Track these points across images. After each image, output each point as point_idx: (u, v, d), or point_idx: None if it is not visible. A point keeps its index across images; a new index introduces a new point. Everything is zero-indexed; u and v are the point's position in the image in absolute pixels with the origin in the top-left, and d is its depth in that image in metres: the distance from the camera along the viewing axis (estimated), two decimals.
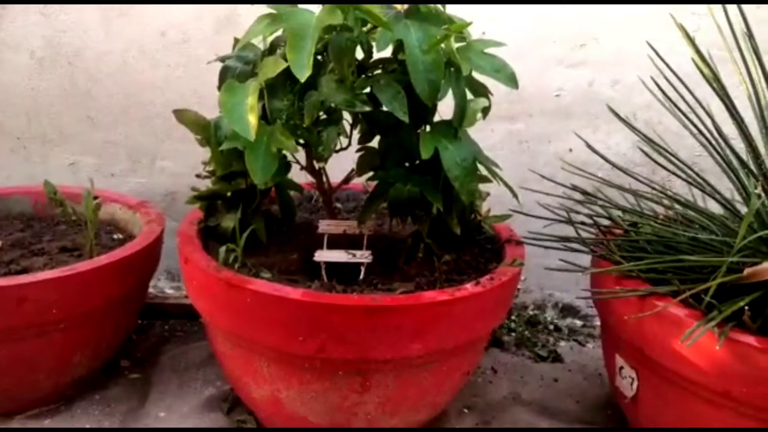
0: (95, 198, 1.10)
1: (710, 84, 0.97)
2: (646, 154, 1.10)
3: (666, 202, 1.10)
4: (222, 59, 0.97)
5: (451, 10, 0.92)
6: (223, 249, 0.91)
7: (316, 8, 0.84)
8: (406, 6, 0.86)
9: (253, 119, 0.79)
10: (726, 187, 1.03)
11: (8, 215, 1.28)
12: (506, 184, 0.97)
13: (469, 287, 0.87)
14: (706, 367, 0.79)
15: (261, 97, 0.91)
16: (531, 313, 1.46)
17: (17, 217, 1.29)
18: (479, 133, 1.34)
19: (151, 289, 1.47)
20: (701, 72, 0.98)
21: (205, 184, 1.06)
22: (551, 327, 1.44)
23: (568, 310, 1.48)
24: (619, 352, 0.96)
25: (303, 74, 0.76)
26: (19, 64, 1.39)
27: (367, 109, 0.85)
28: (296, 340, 0.83)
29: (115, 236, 1.22)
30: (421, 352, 0.85)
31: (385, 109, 0.87)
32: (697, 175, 1.05)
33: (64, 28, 1.36)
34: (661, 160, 1.07)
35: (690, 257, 0.88)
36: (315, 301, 0.81)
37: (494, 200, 1.13)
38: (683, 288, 0.85)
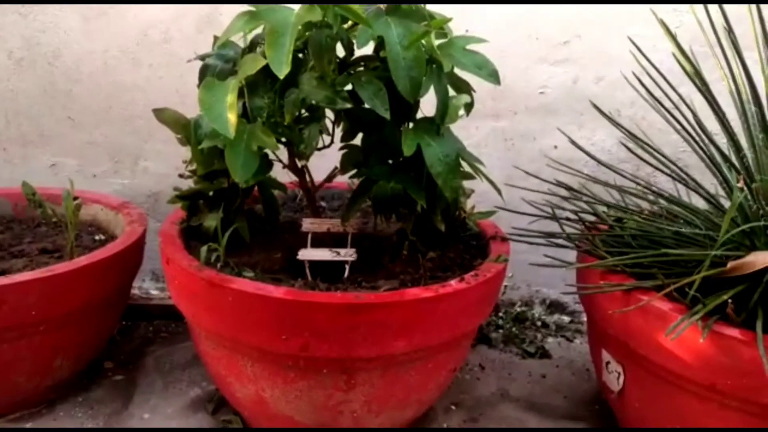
0: (75, 198, 1.08)
1: (692, 80, 0.98)
2: (631, 151, 1.10)
3: (650, 197, 1.10)
4: (202, 57, 0.96)
5: (434, 8, 0.91)
6: (204, 248, 0.90)
7: (297, 6, 0.84)
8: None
9: (232, 117, 0.78)
10: (710, 182, 1.04)
11: None
12: (489, 181, 0.97)
13: (454, 284, 0.87)
14: (691, 360, 0.79)
15: (241, 95, 0.90)
16: (518, 309, 1.46)
17: None
18: (463, 131, 1.35)
19: (135, 290, 1.46)
20: (683, 68, 0.98)
21: (188, 184, 1.05)
22: (539, 323, 1.44)
23: (555, 307, 1.48)
24: (606, 347, 0.96)
25: (282, 71, 0.76)
26: None
27: (348, 106, 0.84)
28: (279, 339, 0.82)
29: (96, 237, 1.21)
30: (405, 349, 0.85)
31: (367, 106, 0.87)
32: (681, 170, 1.05)
33: (43, 28, 1.34)
34: (645, 156, 1.07)
35: (673, 251, 0.88)
36: (297, 300, 0.80)
37: (479, 197, 1.13)
38: (667, 282, 0.85)
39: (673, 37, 0.99)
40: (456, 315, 0.87)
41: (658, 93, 1.04)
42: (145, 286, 1.49)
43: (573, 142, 1.14)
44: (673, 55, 0.98)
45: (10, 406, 1.04)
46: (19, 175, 1.43)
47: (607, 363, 0.97)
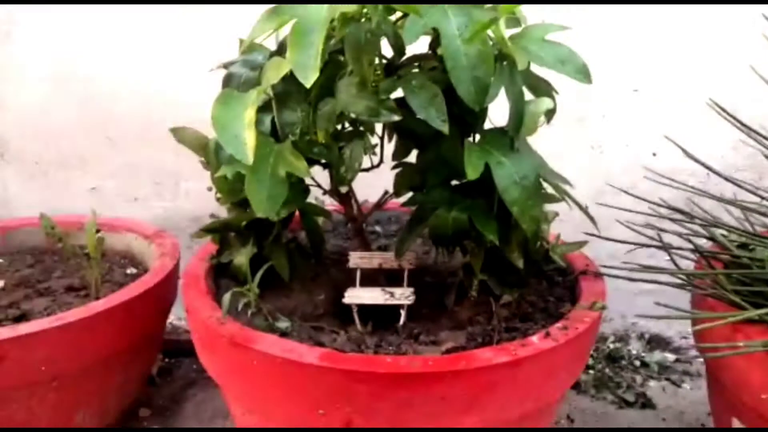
0: (98, 231, 0.96)
1: None
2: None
3: None
4: (225, 65, 0.81)
5: None
6: (227, 296, 0.75)
7: None
8: None
9: (250, 138, 0.62)
10: None
11: (20, 249, 1.17)
12: (579, 206, 0.77)
13: (537, 341, 0.67)
14: None
15: (270, 108, 0.75)
16: (612, 346, 1.24)
17: (29, 251, 1.17)
18: (537, 138, 1.15)
19: (180, 322, 1.34)
20: None
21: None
22: (637, 363, 1.21)
23: (656, 342, 1.25)
24: (739, 416, 0.74)
25: (308, 77, 0.59)
26: (33, 85, 1.28)
27: (396, 118, 0.67)
28: (315, 413, 0.66)
29: (128, 271, 1.09)
30: (477, 425, 0.66)
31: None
32: None
33: (79, 47, 1.24)
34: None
35: None
36: (335, 368, 0.63)
37: (561, 215, 0.92)
38: None
39: None
40: (540, 382, 0.68)
41: None
42: None
43: (681, 148, 0.92)
44: None
45: None
46: (59, 200, 1.35)
47: None
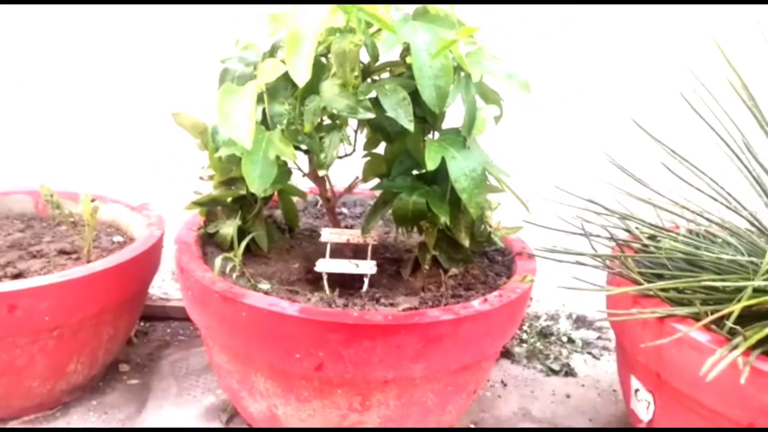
0: (93, 201, 1.07)
1: (738, 92, 0.92)
2: (671, 171, 1.03)
3: (688, 215, 1.05)
4: (222, 60, 0.93)
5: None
6: (219, 259, 0.87)
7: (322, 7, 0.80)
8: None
9: (250, 126, 0.75)
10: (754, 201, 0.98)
11: (8, 215, 1.26)
12: (517, 196, 0.92)
13: (476, 305, 0.83)
14: (729, 397, 0.74)
15: (261, 100, 0.87)
16: (543, 323, 1.41)
17: (18, 216, 1.26)
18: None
19: (155, 290, 1.44)
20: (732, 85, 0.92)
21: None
22: (564, 339, 1.39)
23: (582, 321, 1.43)
24: (635, 374, 0.91)
25: (301, 79, 0.72)
26: None
27: (370, 116, 0.80)
28: (293, 358, 0.79)
29: (115, 239, 1.19)
30: (424, 372, 0.81)
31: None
32: (722, 188, 0.99)
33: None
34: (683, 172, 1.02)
35: (713, 277, 0.83)
36: (312, 319, 0.77)
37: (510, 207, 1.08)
38: (705, 310, 0.80)
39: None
40: (478, 338, 0.83)
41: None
42: (166, 287, 1.47)
43: (608, 156, 1.09)
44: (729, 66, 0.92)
45: (23, 409, 1.03)
46: None
47: (636, 390, 0.92)
